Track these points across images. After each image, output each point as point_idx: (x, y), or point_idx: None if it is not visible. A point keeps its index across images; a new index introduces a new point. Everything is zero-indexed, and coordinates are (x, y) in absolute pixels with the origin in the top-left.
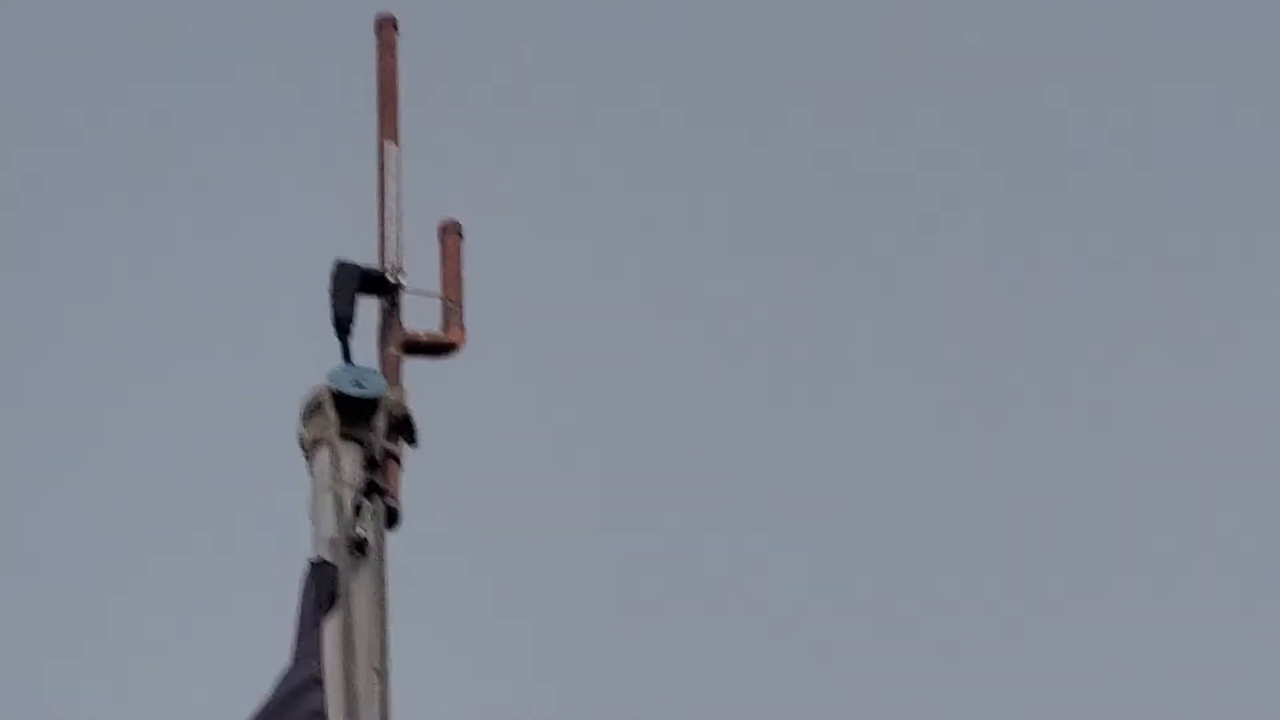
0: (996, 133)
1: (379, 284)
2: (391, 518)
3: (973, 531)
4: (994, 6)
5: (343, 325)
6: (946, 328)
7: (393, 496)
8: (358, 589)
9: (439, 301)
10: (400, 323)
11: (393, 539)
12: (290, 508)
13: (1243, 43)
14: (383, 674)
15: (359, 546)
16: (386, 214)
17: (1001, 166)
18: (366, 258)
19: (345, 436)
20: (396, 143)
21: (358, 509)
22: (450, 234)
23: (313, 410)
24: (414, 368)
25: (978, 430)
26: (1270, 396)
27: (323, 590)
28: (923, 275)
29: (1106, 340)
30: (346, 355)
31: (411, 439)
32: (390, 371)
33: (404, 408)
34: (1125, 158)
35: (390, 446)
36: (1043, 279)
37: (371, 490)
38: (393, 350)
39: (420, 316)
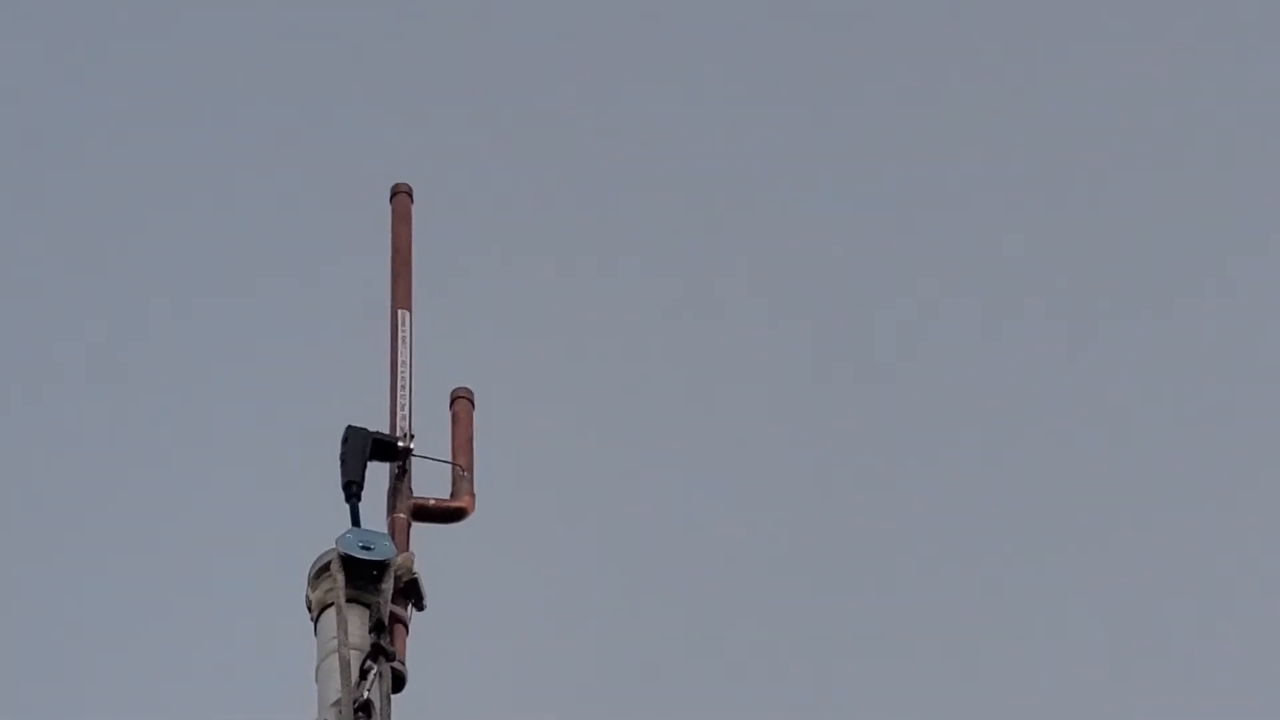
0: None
1: (389, 449)
2: (397, 681)
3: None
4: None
5: (352, 489)
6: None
7: (399, 660)
8: None
9: (449, 467)
10: (410, 488)
11: (398, 702)
12: (296, 670)
13: None
14: None
15: (364, 710)
16: (398, 380)
17: None
18: (378, 423)
19: (352, 600)
20: (410, 310)
21: (364, 672)
22: (461, 401)
23: (321, 573)
24: (422, 533)
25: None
26: None
27: None
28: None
29: None
30: (355, 519)
31: (419, 603)
32: (399, 536)
33: (412, 572)
34: None
35: (397, 610)
36: None
37: (377, 654)
38: (402, 515)
39: (430, 483)
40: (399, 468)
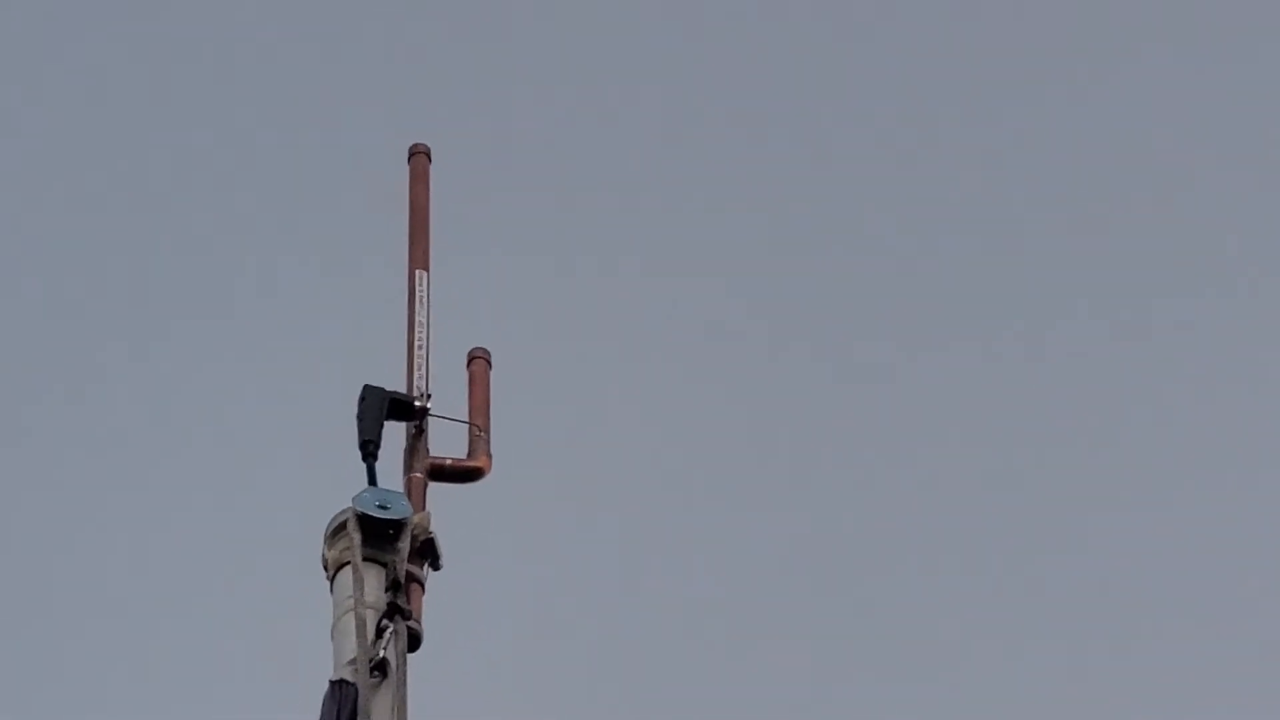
0: None
1: (406, 409)
2: (413, 640)
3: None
4: None
5: (369, 449)
6: None
7: (415, 619)
8: (378, 710)
9: (466, 427)
10: (426, 448)
11: (414, 661)
12: (312, 627)
13: None
14: None
15: (380, 668)
16: (416, 340)
17: None
18: (395, 383)
19: (369, 559)
20: (427, 270)
21: (380, 631)
22: (478, 362)
23: (337, 532)
24: (439, 492)
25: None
26: None
27: (343, 710)
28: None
29: None
30: (372, 478)
31: (435, 563)
32: (415, 496)
33: (428, 531)
34: None
35: (413, 570)
36: None
37: (394, 612)
38: (418, 475)
39: (447, 442)
40: (416, 427)
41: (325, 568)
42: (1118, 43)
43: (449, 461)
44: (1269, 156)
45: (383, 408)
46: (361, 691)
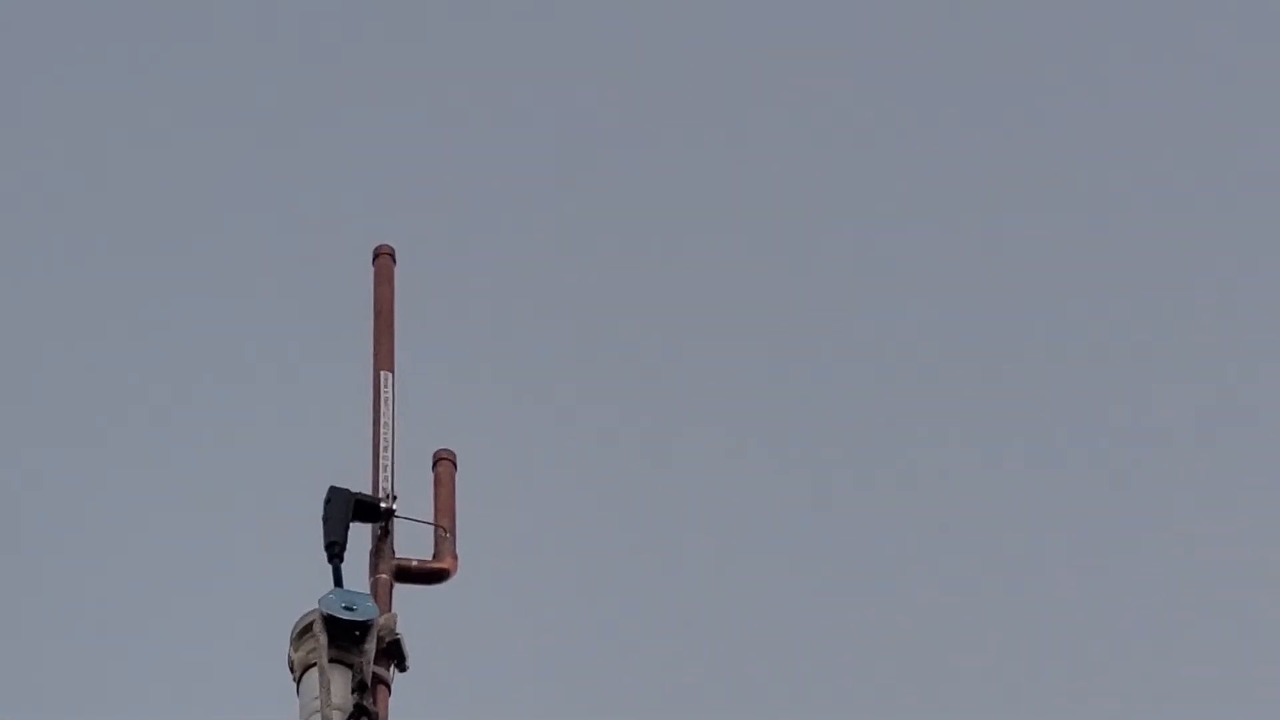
0: None
1: (372, 511)
2: None
3: None
4: None
5: (335, 550)
6: None
7: None
8: None
9: (431, 529)
10: (392, 549)
11: None
12: None
13: None
14: None
15: None
16: (381, 441)
17: None
18: (360, 484)
19: (335, 660)
20: (392, 372)
21: None
22: (444, 463)
23: (303, 633)
24: (405, 594)
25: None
26: None
27: None
28: None
29: None
30: (338, 580)
31: (401, 664)
32: (381, 597)
33: (394, 633)
34: None
35: (380, 671)
36: None
37: (360, 715)
38: (384, 576)
39: (413, 544)
40: (381, 528)
41: (291, 669)
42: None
43: (415, 562)
44: None
45: (348, 509)
46: None
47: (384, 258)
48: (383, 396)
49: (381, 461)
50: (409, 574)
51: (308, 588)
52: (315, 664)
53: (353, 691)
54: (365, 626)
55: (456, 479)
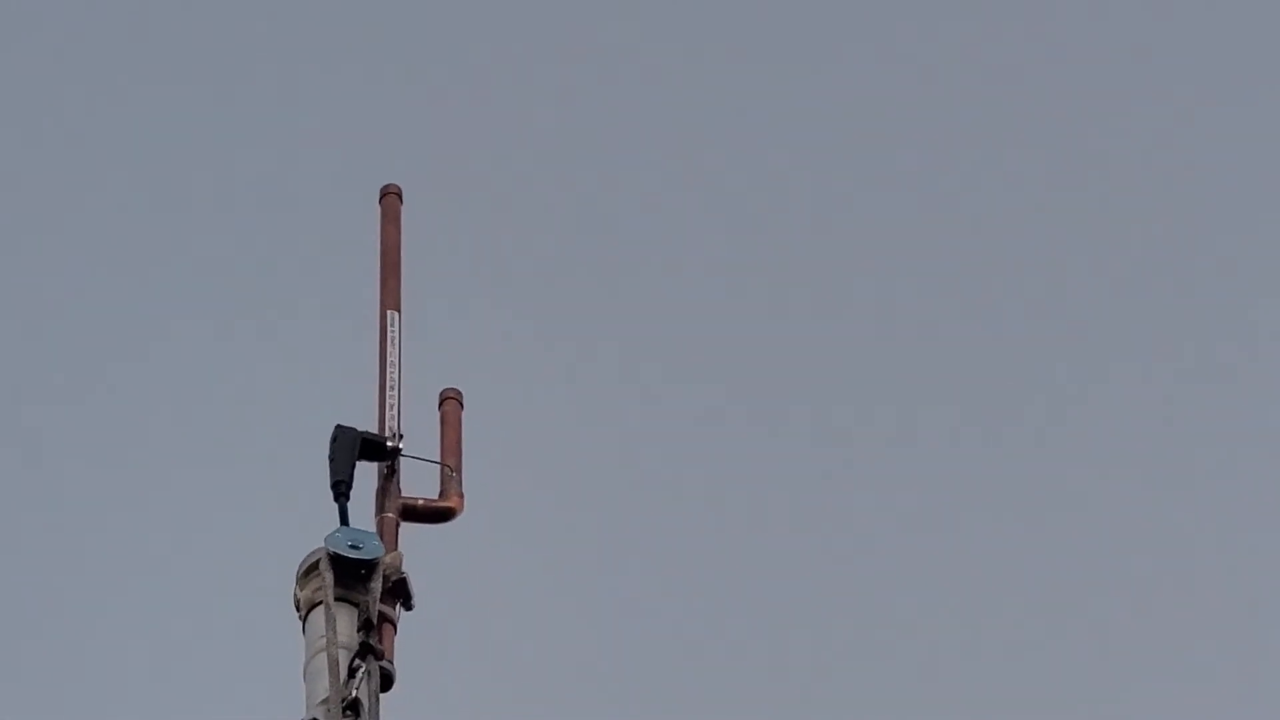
0: None
1: (378, 449)
2: (386, 680)
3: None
4: None
5: (341, 489)
6: None
7: (387, 659)
8: None
9: (438, 467)
10: (398, 488)
11: (386, 701)
12: (285, 668)
13: None
14: None
15: (352, 708)
16: (387, 381)
17: None
18: (366, 423)
19: (341, 599)
20: (398, 311)
21: (352, 671)
22: (450, 402)
23: (309, 572)
24: (411, 532)
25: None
26: None
27: None
28: None
29: None
30: (344, 518)
31: (407, 603)
32: (387, 535)
33: (400, 572)
34: None
35: (386, 610)
36: None
37: (366, 652)
38: (390, 515)
39: (419, 482)
40: (387, 467)
41: (297, 608)
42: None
43: (421, 502)
44: None
45: (354, 448)
46: None
47: (390, 197)
48: (389, 335)
49: (388, 400)
50: (415, 513)
51: (314, 526)
52: (321, 602)
53: (359, 629)
54: (371, 565)
55: (463, 418)
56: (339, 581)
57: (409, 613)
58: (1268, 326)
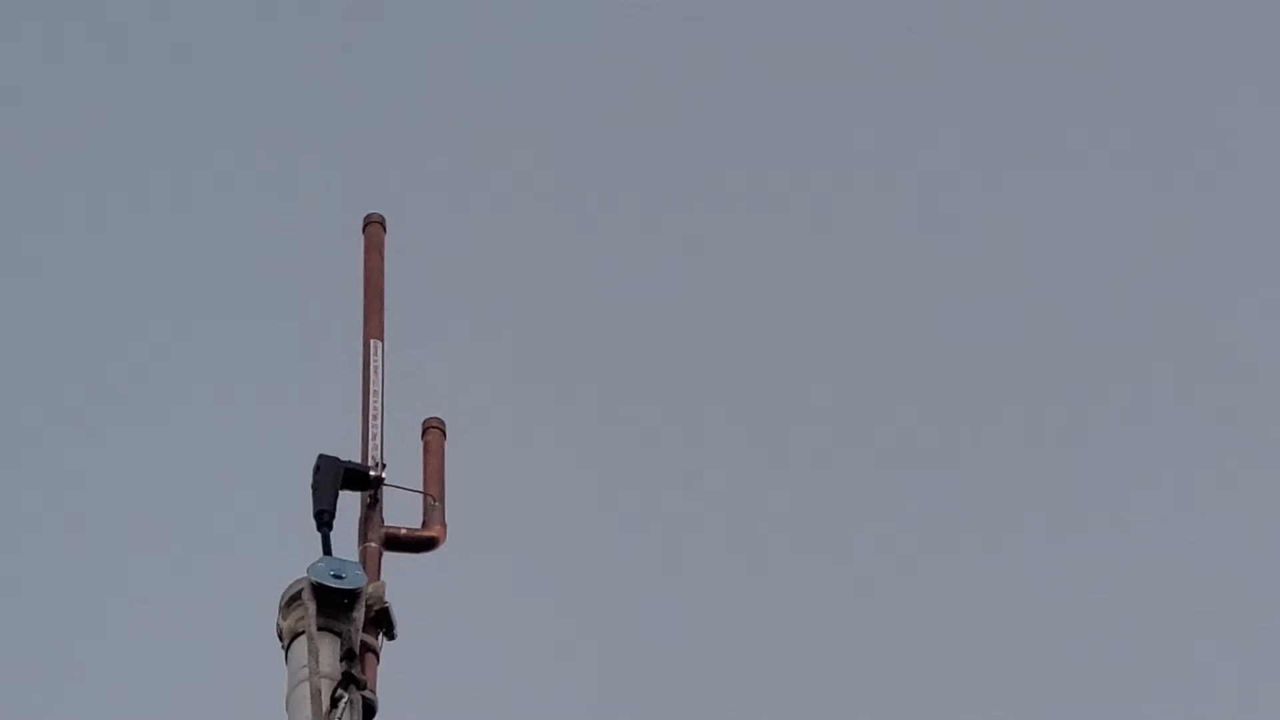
0: None
1: (361, 479)
2: (368, 710)
3: None
4: None
5: (323, 518)
6: None
7: (369, 689)
8: None
9: (420, 497)
10: (381, 517)
11: None
12: (267, 697)
13: None
14: None
15: None
16: (370, 410)
17: None
18: (349, 453)
19: (324, 628)
20: (382, 340)
21: (335, 700)
22: (433, 431)
23: (292, 601)
24: (394, 562)
25: None
26: None
27: None
28: None
29: None
30: (327, 548)
31: (390, 632)
32: (370, 565)
33: (383, 601)
34: None
35: (368, 639)
36: None
37: (348, 682)
38: (373, 544)
39: (402, 512)
40: (370, 497)
41: (280, 637)
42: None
43: (404, 531)
44: None
45: (338, 477)
46: None
47: (374, 226)
48: (372, 365)
49: (371, 430)
50: (398, 542)
51: (297, 556)
52: (304, 631)
53: (341, 659)
54: (354, 594)
55: (446, 448)
56: (321, 611)
57: (391, 642)
58: (1267, 326)
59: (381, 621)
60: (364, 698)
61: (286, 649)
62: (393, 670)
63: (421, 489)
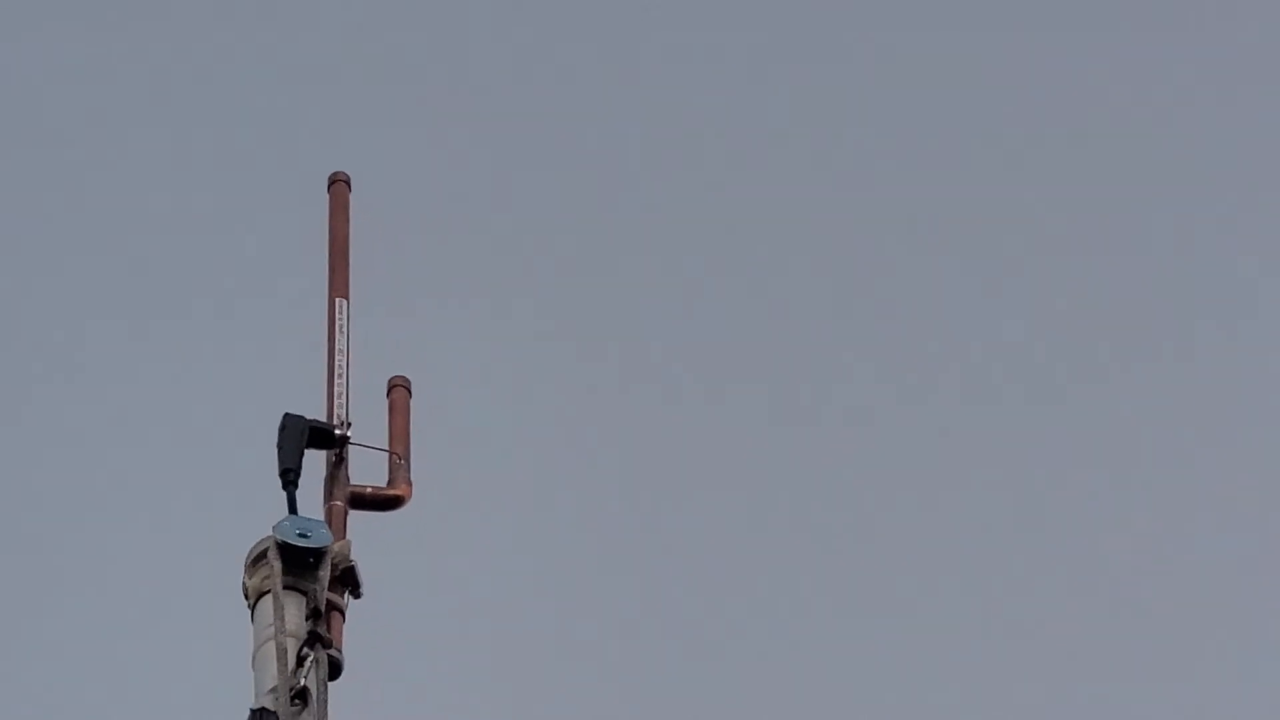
0: None
1: (326, 437)
2: (334, 668)
3: None
4: None
5: (289, 477)
6: None
7: (336, 648)
8: None
9: (386, 455)
10: (347, 476)
11: (334, 689)
12: (233, 656)
13: None
14: None
15: (301, 696)
16: (335, 368)
17: None
18: (315, 411)
19: (289, 587)
20: (347, 299)
21: (300, 659)
22: (398, 389)
23: (257, 560)
24: (360, 520)
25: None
26: None
27: None
28: None
29: None
30: (292, 507)
31: (356, 591)
32: (336, 524)
33: (348, 560)
34: None
35: (334, 598)
36: None
37: (314, 641)
38: (339, 503)
39: (367, 470)
40: (336, 455)
41: (245, 596)
42: None
43: (369, 490)
44: None
45: (303, 436)
46: (282, 719)
47: (339, 184)
48: (337, 323)
49: (336, 388)
50: (363, 501)
51: (262, 514)
52: (270, 591)
53: (307, 618)
54: (319, 553)
55: (411, 406)
56: (287, 570)
57: (357, 601)
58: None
59: (347, 580)
60: (330, 656)
61: (252, 608)
62: (359, 629)
63: (387, 447)
